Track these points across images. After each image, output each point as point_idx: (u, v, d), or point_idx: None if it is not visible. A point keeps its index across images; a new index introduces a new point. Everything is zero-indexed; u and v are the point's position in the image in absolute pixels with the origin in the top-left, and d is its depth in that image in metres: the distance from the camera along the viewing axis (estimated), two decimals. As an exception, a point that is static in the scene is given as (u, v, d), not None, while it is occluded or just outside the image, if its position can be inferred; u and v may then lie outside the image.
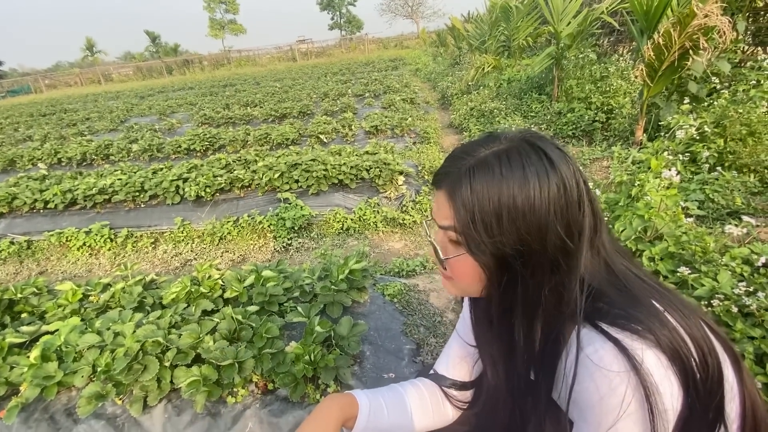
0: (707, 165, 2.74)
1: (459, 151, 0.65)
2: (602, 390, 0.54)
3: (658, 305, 0.58)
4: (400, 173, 3.80)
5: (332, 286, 1.97)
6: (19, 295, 2.11)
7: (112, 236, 3.68)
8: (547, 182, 0.56)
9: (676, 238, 1.68)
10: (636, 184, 1.86)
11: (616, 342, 0.54)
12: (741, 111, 2.91)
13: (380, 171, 3.72)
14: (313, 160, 3.85)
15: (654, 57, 3.17)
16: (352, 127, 5.90)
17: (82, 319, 1.89)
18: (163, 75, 31.35)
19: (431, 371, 1.02)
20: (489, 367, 0.91)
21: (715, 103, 3.19)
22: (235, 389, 1.56)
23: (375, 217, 3.43)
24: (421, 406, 0.91)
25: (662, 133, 3.38)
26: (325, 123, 5.92)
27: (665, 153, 2.06)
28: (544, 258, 0.59)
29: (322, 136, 5.66)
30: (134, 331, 1.62)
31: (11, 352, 1.75)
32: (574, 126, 4.56)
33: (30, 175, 4.96)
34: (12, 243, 3.84)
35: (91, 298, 2.09)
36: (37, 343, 1.69)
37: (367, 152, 4.18)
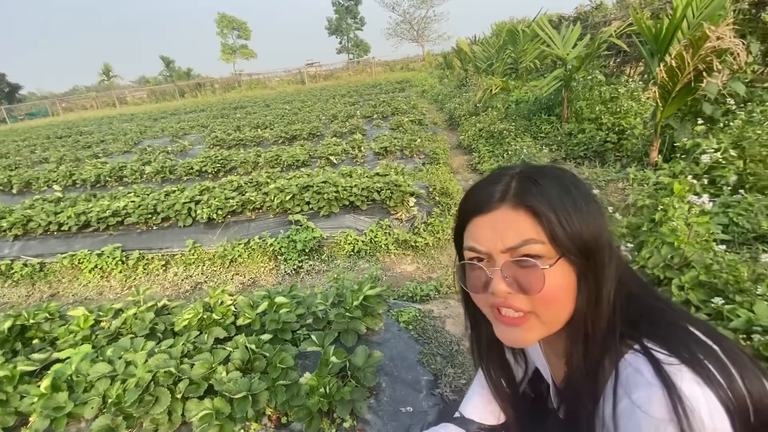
0: (729, 188, 2.68)
1: (494, 176, 0.67)
2: None
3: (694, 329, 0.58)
4: (411, 194, 3.78)
5: (346, 313, 1.92)
6: (31, 321, 2.09)
7: (124, 258, 3.69)
8: (587, 186, 0.64)
9: (706, 267, 1.62)
10: (659, 209, 1.82)
11: (666, 382, 0.52)
12: (759, 132, 2.87)
13: (391, 192, 3.71)
14: (324, 182, 3.85)
15: (667, 79, 3.16)
16: (362, 149, 5.94)
17: (93, 347, 1.85)
18: (175, 98, 32.23)
19: (456, 413, 0.97)
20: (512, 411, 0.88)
21: (732, 124, 3.16)
22: (247, 423, 1.50)
23: (386, 239, 3.39)
24: None
25: (678, 154, 3.34)
26: (334, 144, 5.98)
27: (688, 176, 2.01)
28: (609, 250, 0.62)
29: (332, 158, 5.70)
30: (146, 361, 1.58)
31: (22, 381, 1.72)
32: (585, 147, 4.54)
33: (45, 197, 5.04)
34: (25, 265, 3.86)
35: (102, 323, 2.06)
36: (48, 372, 1.66)
37: (377, 174, 4.18)
